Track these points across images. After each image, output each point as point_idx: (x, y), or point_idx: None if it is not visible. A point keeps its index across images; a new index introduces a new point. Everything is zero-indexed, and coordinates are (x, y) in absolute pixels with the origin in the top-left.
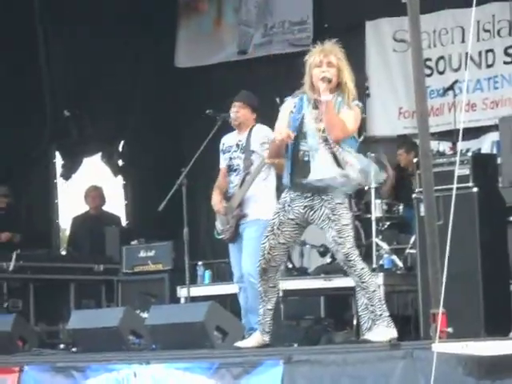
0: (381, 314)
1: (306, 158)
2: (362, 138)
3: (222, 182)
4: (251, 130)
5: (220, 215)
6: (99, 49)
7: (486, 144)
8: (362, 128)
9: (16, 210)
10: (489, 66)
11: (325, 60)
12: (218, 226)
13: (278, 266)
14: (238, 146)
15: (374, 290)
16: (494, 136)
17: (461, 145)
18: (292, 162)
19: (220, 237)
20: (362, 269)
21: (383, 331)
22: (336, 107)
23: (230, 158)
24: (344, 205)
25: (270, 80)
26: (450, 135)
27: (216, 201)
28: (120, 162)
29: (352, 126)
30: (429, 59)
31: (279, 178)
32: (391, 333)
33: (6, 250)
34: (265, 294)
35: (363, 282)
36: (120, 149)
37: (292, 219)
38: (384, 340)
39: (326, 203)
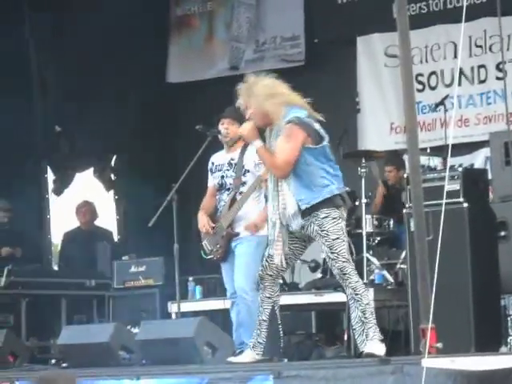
0: (373, 328)
1: None
2: (325, 140)
3: (209, 202)
4: (244, 148)
5: (208, 235)
6: (91, 63)
7: (479, 159)
8: (314, 135)
9: (16, 224)
10: (481, 82)
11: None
12: (207, 246)
13: (275, 275)
14: (230, 164)
15: (367, 303)
16: (487, 151)
17: (454, 160)
18: None
19: (209, 257)
20: (357, 282)
21: (378, 345)
22: (274, 141)
23: (222, 177)
24: (330, 217)
25: None
26: (442, 150)
27: (204, 222)
28: (112, 177)
29: (284, 156)
30: (421, 74)
31: None
32: (383, 348)
33: (5, 265)
34: (261, 304)
35: (357, 295)
36: (112, 163)
37: (292, 232)
38: (381, 354)
39: (314, 219)
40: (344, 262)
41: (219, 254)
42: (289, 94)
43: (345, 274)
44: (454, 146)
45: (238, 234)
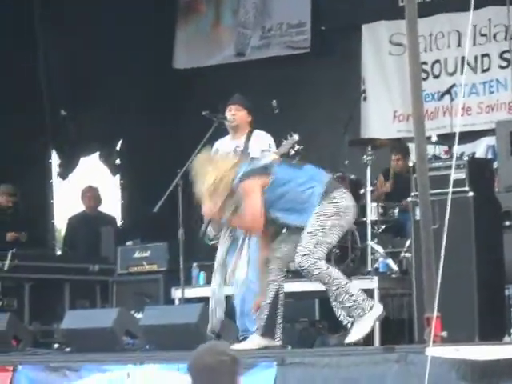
0: (350, 306)
1: None
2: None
3: None
4: (250, 135)
5: (212, 221)
6: (98, 48)
7: (481, 148)
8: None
9: (21, 208)
10: (484, 71)
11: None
12: (211, 231)
13: (281, 258)
14: (235, 151)
15: (337, 288)
16: (489, 140)
17: (455, 148)
18: None
19: (213, 242)
20: (318, 274)
21: (360, 326)
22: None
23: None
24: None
25: (268, 82)
26: (444, 139)
27: (207, 207)
28: (118, 162)
29: (249, 214)
30: (424, 63)
31: None
32: (374, 313)
33: (10, 249)
34: (266, 288)
35: (325, 284)
36: (118, 148)
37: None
38: (363, 335)
39: None
40: (303, 255)
41: None
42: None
43: (303, 270)
44: (453, 134)
45: None
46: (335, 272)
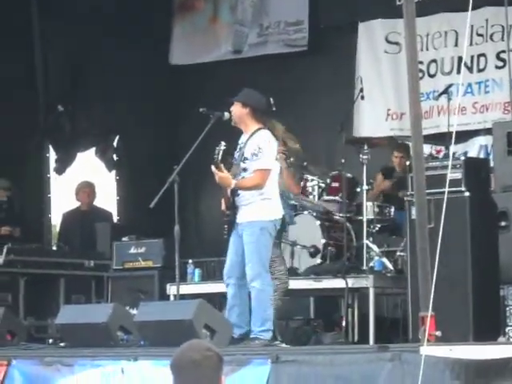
0: None
1: None
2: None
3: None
4: (254, 134)
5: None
6: (95, 44)
7: (474, 148)
8: None
9: (15, 203)
10: (480, 71)
11: None
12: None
13: None
14: (239, 146)
15: None
16: (482, 140)
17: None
18: None
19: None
20: None
21: None
22: None
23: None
24: None
25: (265, 80)
26: (437, 138)
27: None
28: (114, 157)
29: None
30: (420, 62)
31: None
32: None
33: (4, 244)
34: None
35: None
36: (115, 144)
37: None
38: None
39: None
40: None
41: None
42: None
43: None
44: (449, 134)
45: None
46: None
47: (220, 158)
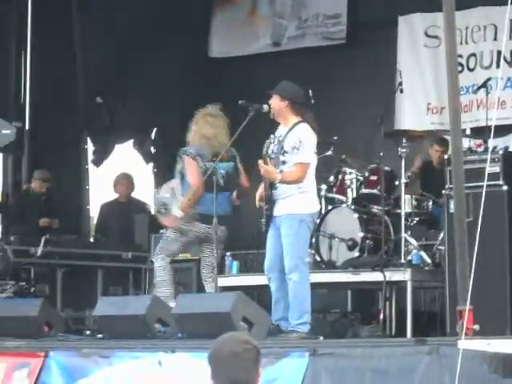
0: None
1: None
2: None
3: None
4: (293, 127)
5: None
6: (135, 36)
7: None
8: None
9: (54, 195)
10: None
11: None
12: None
13: None
14: (278, 139)
15: None
16: None
17: (491, 142)
18: None
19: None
20: None
21: None
22: None
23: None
24: None
25: (303, 73)
26: (477, 132)
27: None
28: (152, 150)
29: None
30: (460, 56)
31: None
32: None
33: (44, 235)
34: None
35: None
36: (152, 136)
37: None
38: None
39: None
40: None
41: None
42: None
43: None
44: (488, 128)
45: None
46: None
47: (268, 151)
